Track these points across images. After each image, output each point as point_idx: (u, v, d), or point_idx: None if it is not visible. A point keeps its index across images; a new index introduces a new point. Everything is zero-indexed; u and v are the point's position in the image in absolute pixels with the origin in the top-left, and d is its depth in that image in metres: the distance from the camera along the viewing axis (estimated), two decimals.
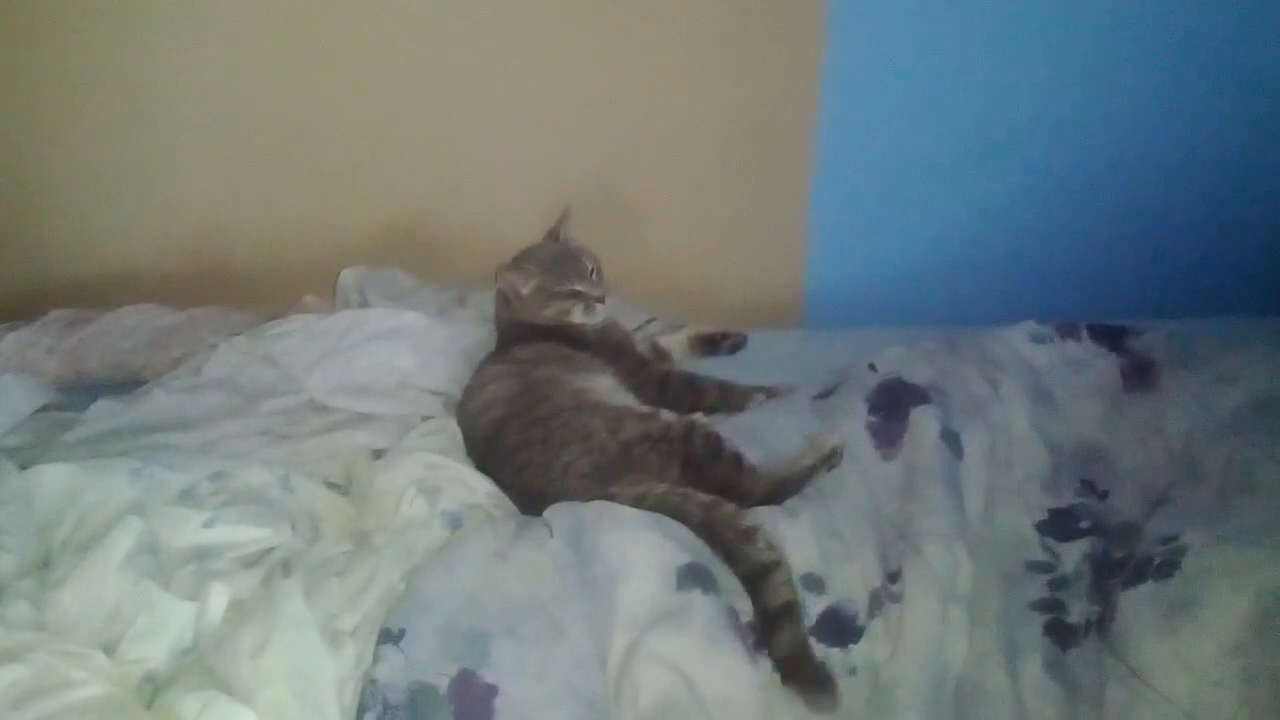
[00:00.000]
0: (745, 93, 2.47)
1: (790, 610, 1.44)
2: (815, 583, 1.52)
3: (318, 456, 1.79)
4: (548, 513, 1.57)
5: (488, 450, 1.79)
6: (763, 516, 1.56)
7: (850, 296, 2.64)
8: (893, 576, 1.55)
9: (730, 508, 1.56)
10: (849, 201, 2.55)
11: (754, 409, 1.92)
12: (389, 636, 1.35)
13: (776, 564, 1.47)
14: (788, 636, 1.42)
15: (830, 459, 1.70)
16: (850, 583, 1.53)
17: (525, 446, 1.73)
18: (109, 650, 1.33)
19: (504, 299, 2.03)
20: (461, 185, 2.57)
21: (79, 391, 2.10)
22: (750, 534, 1.51)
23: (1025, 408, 1.85)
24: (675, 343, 2.21)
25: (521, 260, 2.01)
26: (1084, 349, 2.01)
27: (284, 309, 2.24)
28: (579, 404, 1.77)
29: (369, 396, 1.96)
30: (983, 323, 2.10)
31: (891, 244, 2.62)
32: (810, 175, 2.52)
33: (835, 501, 1.64)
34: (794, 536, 1.55)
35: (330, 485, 1.75)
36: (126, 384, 2.10)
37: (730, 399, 1.96)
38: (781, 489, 1.65)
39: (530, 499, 1.68)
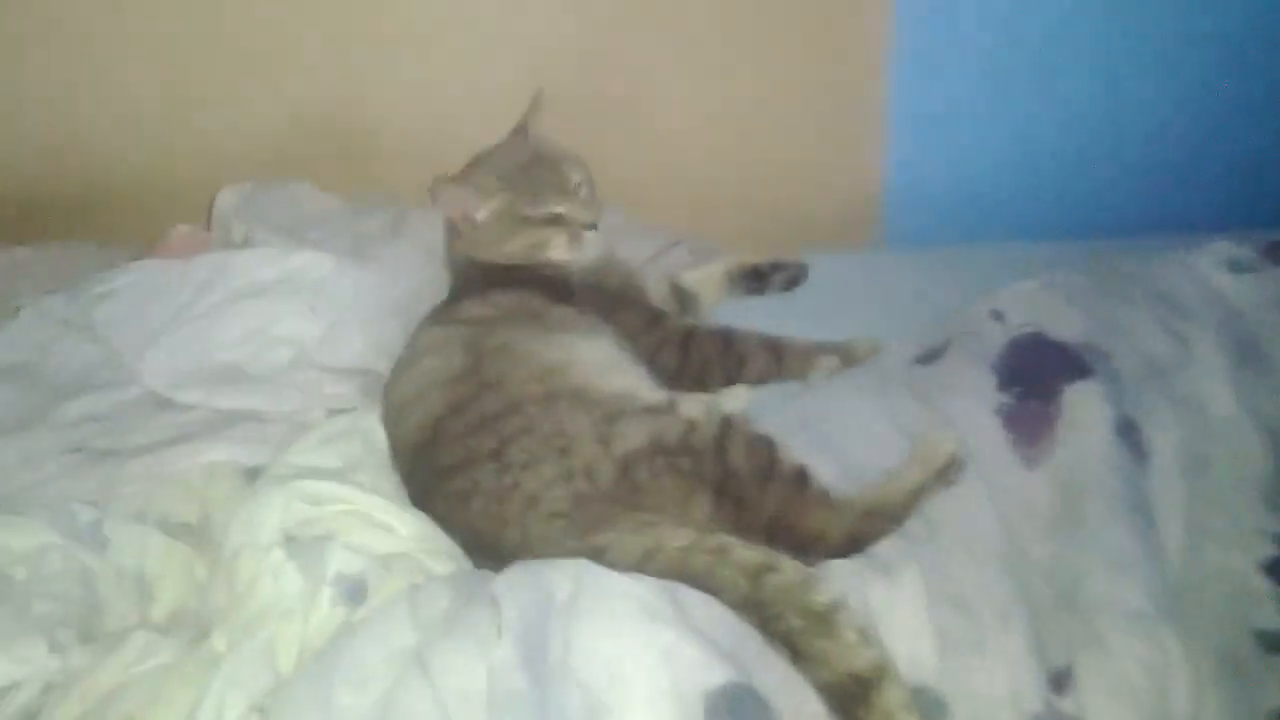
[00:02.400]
0: None
1: None
2: (933, 704, 1.08)
3: (152, 484, 1.35)
4: (497, 583, 1.12)
5: (418, 464, 1.37)
6: (842, 580, 1.15)
7: (942, 204, 2.32)
8: (1058, 680, 1.12)
9: (792, 571, 1.12)
10: (940, 81, 2.26)
11: (820, 381, 1.56)
12: None
13: (882, 671, 1.04)
14: None
15: (946, 473, 1.29)
16: (991, 700, 1.10)
17: (469, 463, 1.30)
18: None
19: (452, 228, 1.67)
20: (398, 66, 2.21)
21: None
22: (829, 618, 1.07)
23: (1228, 374, 1.46)
24: (706, 279, 1.86)
25: (474, 171, 1.66)
26: None
27: (148, 248, 1.88)
28: (550, 391, 1.35)
29: (238, 384, 1.54)
30: (1115, 238, 1.90)
31: (996, 135, 2.33)
32: (891, 41, 2.20)
33: (953, 542, 1.23)
34: (893, 613, 1.14)
35: (174, 528, 1.31)
36: None
37: (785, 365, 1.61)
38: (870, 527, 1.24)
39: (479, 547, 1.28)
